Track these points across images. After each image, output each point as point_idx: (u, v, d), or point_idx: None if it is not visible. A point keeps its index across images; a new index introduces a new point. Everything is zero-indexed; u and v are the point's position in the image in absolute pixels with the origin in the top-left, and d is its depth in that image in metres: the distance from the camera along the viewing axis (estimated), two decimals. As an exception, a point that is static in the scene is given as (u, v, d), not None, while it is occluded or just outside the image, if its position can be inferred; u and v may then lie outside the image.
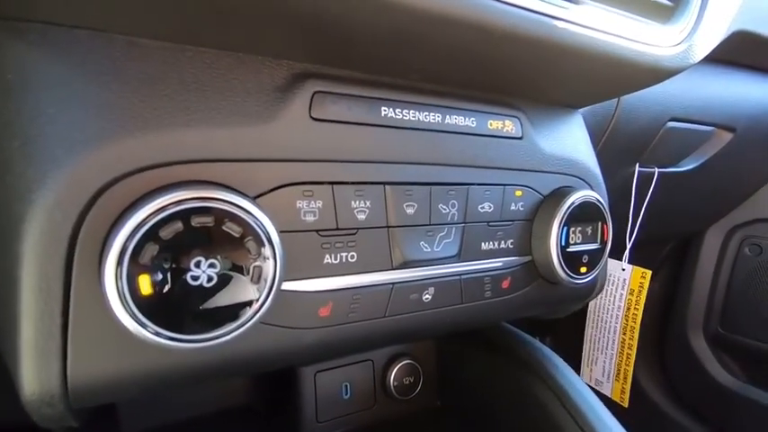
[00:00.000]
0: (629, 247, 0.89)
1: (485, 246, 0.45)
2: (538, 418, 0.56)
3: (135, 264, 0.26)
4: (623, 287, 0.88)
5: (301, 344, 0.36)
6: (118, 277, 0.25)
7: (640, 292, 0.86)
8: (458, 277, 0.44)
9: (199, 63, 0.31)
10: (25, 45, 0.27)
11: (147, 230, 0.26)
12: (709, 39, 0.47)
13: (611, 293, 0.90)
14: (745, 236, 1.25)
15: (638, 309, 0.87)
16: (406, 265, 0.40)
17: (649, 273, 0.85)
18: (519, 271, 0.48)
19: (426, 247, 0.41)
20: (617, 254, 0.90)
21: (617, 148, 0.79)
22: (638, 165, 0.85)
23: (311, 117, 0.35)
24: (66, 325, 0.27)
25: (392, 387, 0.69)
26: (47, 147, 0.26)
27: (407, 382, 0.71)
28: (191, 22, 0.29)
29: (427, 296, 0.42)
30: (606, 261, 0.53)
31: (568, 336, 1.07)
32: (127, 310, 0.26)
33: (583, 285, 0.50)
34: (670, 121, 0.82)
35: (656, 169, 0.87)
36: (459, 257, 0.43)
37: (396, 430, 0.69)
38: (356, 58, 0.35)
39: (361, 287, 0.38)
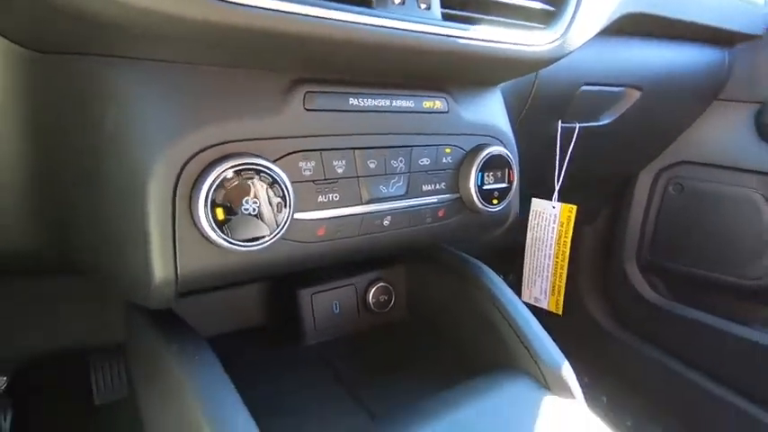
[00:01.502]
0: (557, 188, 1.04)
1: (425, 187, 0.59)
2: (485, 326, 0.69)
3: (213, 202, 0.44)
4: (554, 221, 1.01)
5: (307, 252, 0.51)
6: (206, 209, 0.43)
7: (569, 223, 0.99)
8: (406, 209, 0.58)
9: (236, 78, 0.48)
10: (134, 75, 0.44)
11: (219, 183, 0.44)
12: (581, 34, 0.63)
13: (544, 228, 1.02)
14: (671, 177, 1.37)
15: (567, 237, 1.00)
16: (371, 201, 0.54)
17: (575, 207, 0.98)
18: (450, 204, 0.62)
19: (384, 189, 0.56)
20: (550, 196, 1.05)
21: (540, 110, 0.93)
22: (560, 122, 1.00)
23: (305, 108, 0.49)
24: (175, 237, 0.44)
25: (371, 304, 0.83)
26: (155, 138, 0.44)
27: (383, 299, 0.84)
28: (237, 55, 0.46)
29: (386, 222, 0.57)
30: (516, 196, 0.69)
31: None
32: (211, 228, 0.44)
33: (497, 213, 0.65)
34: (584, 85, 0.96)
35: (577, 125, 1.01)
36: (407, 195, 0.57)
37: (374, 336, 0.82)
38: (333, 69, 0.52)
39: (342, 216, 0.53)
